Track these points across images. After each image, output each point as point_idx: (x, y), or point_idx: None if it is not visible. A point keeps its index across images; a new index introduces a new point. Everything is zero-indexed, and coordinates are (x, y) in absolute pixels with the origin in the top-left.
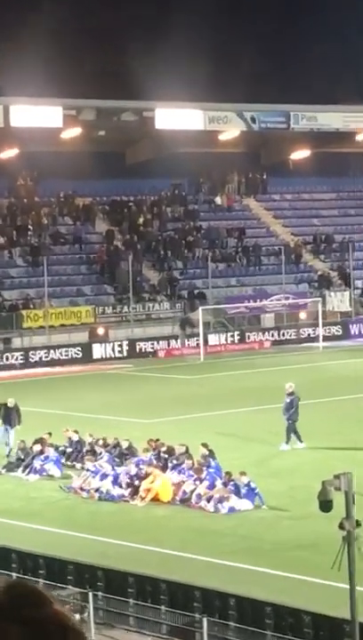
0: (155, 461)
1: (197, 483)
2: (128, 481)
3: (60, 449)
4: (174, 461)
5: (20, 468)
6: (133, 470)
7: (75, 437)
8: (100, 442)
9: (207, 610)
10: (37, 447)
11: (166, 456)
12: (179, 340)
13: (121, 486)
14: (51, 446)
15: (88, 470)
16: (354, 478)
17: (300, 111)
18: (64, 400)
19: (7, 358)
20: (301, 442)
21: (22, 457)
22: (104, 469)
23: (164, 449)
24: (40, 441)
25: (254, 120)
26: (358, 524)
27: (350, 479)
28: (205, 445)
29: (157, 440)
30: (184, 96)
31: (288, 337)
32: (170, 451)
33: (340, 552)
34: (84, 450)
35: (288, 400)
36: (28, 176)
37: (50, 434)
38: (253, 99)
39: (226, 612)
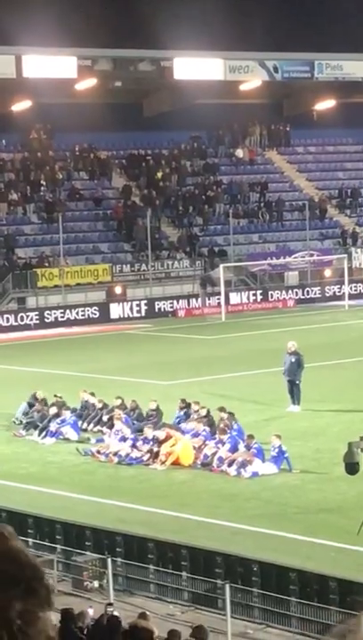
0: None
1: (219, 446)
2: (148, 444)
3: (77, 412)
4: (193, 424)
5: (36, 432)
6: (151, 434)
7: (91, 399)
8: (118, 403)
9: (230, 576)
10: (53, 410)
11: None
12: (199, 299)
13: (140, 450)
14: (67, 409)
15: (106, 434)
16: None
17: (324, 60)
18: (81, 362)
19: (22, 318)
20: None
21: (35, 418)
22: (123, 432)
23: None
24: (56, 404)
25: (276, 69)
26: None
27: None
28: (222, 409)
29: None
30: (204, 45)
31: (313, 295)
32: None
33: None
34: (103, 412)
35: (293, 359)
36: (41, 129)
37: (59, 397)
38: (275, 47)
39: (249, 578)
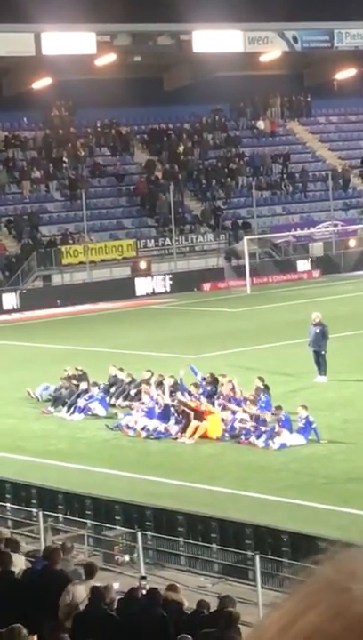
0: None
1: (246, 416)
2: (176, 417)
3: (103, 387)
4: (220, 397)
5: (65, 408)
6: (184, 399)
7: (120, 374)
8: (148, 377)
9: (259, 547)
10: (83, 385)
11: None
12: (224, 272)
13: (168, 423)
14: (95, 385)
15: (135, 408)
16: None
17: (344, 29)
18: (107, 337)
19: (48, 296)
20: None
21: (64, 394)
22: (151, 406)
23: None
24: (81, 378)
25: (295, 40)
26: None
27: None
28: (261, 379)
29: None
30: (222, 17)
31: (338, 265)
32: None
33: None
34: (130, 387)
35: (318, 330)
36: (62, 106)
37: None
38: (294, 17)
39: (279, 549)
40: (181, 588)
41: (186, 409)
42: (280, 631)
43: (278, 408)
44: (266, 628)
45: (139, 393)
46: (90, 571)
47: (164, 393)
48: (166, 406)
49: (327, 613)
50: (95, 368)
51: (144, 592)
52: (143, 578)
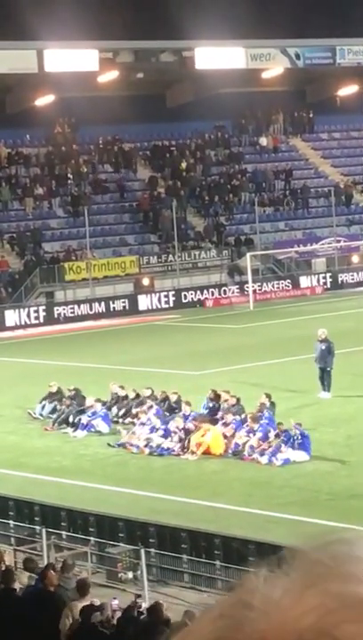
0: (207, 412)
1: (251, 435)
2: (179, 435)
3: (107, 404)
4: (222, 414)
5: (68, 425)
6: (182, 424)
7: (121, 392)
8: (148, 394)
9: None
10: (88, 402)
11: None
12: (227, 288)
13: (171, 440)
14: (98, 401)
15: (137, 424)
16: None
17: (346, 45)
18: (110, 354)
19: (50, 313)
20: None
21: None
22: (153, 423)
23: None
24: (75, 397)
25: (298, 56)
26: None
27: None
28: (268, 396)
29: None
30: (225, 33)
31: (341, 281)
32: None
33: None
34: (133, 403)
35: (324, 347)
36: (65, 123)
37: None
38: (296, 34)
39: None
40: (185, 605)
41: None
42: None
43: (280, 424)
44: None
45: (141, 410)
46: (83, 588)
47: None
48: (166, 425)
49: (229, 625)
50: (98, 385)
51: (140, 610)
52: (138, 596)
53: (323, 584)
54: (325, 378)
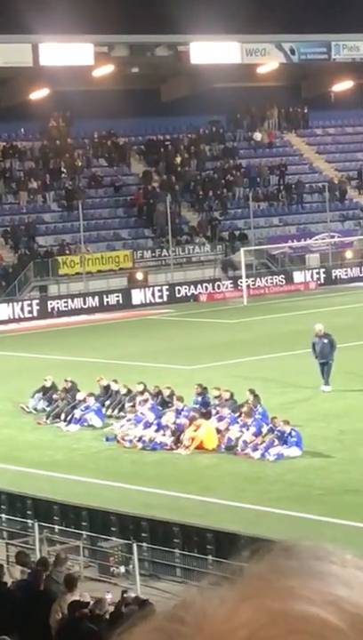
0: (198, 407)
1: (244, 430)
2: (172, 429)
3: (101, 399)
4: (218, 408)
5: (61, 419)
6: (173, 419)
7: (115, 386)
8: (141, 388)
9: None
10: (80, 395)
11: (217, 402)
12: (221, 283)
13: (164, 435)
14: (91, 395)
15: (130, 419)
16: None
17: (341, 41)
18: (103, 348)
19: (44, 306)
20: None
21: (60, 406)
22: (147, 417)
23: (217, 394)
24: (72, 389)
25: (293, 51)
26: None
27: None
28: (251, 391)
29: (203, 386)
30: (220, 28)
31: (335, 277)
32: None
33: None
34: (126, 398)
35: (326, 341)
36: (60, 117)
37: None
38: (291, 29)
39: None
40: (177, 599)
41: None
42: None
43: (275, 418)
44: None
45: (134, 405)
46: (70, 583)
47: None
48: (158, 419)
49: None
50: (91, 379)
51: (129, 605)
52: (125, 592)
53: (258, 598)
54: (326, 370)
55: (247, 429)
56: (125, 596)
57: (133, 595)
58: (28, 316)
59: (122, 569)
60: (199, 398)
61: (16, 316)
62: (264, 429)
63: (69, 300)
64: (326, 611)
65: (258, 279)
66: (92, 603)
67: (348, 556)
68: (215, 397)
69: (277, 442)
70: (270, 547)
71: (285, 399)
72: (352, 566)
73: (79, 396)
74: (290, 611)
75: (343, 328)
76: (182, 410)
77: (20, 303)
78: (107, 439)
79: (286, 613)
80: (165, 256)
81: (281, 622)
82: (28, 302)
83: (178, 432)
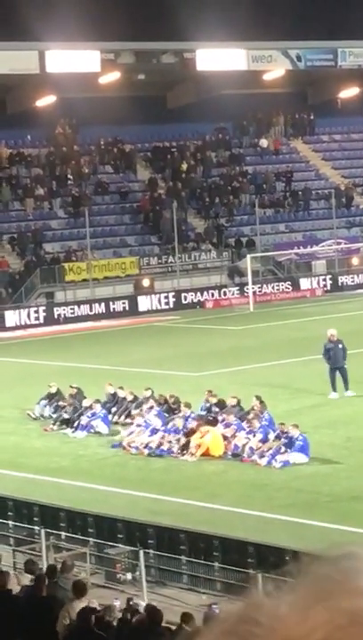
0: (205, 414)
1: (250, 436)
2: (178, 436)
3: (107, 405)
4: (224, 415)
5: (68, 426)
6: (181, 425)
7: (121, 393)
8: (148, 394)
9: (262, 566)
10: (86, 402)
11: (217, 409)
12: (227, 290)
13: (170, 441)
14: (97, 402)
15: (137, 425)
16: None
17: (347, 47)
18: (110, 355)
19: (50, 313)
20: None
21: (67, 412)
22: (153, 424)
23: (214, 401)
24: (77, 396)
25: (299, 58)
26: None
27: None
28: (258, 398)
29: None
30: (226, 35)
31: (341, 283)
32: (221, 403)
33: None
34: (132, 405)
35: (340, 346)
36: (66, 124)
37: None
38: (297, 36)
39: (281, 567)
40: (184, 606)
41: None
42: None
43: (282, 424)
44: None
45: (140, 412)
46: (79, 589)
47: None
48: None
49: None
50: (97, 386)
51: (136, 611)
52: (130, 599)
53: (332, 600)
54: (344, 375)
55: (254, 436)
56: (130, 603)
57: (141, 602)
58: (34, 322)
59: (128, 576)
60: (208, 405)
61: (22, 323)
62: (271, 436)
63: (76, 307)
64: None
65: (264, 286)
66: (100, 609)
67: None
68: (214, 404)
69: (283, 449)
70: (328, 549)
71: (291, 406)
72: None
73: (85, 403)
74: None
75: (350, 335)
76: (189, 416)
77: (26, 310)
78: (113, 446)
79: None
80: (171, 263)
81: (359, 623)
82: (35, 309)
83: (185, 439)
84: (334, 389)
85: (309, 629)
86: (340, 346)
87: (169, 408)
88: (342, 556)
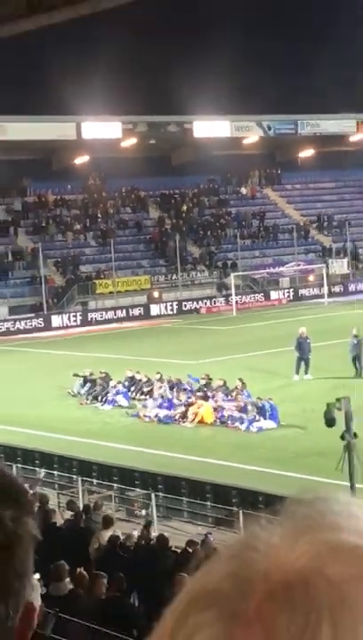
0: (199, 392)
1: (233, 408)
2: (181, 408)
3: (127, 385)
4: (214, 392)
5: (98, 400)
6: (185, 398)
7: (138, 376)
8: (158, 377)
9: (243, 504)
10: (112, 383)
11: (205, 389)
12: (217, 300)
13: (175, 410)
14: (120, 382)
15: (156, 397)
16: (351, 401)
17: (305, 119)
18: (129, 348)
19: (85, 317)
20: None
21: (97, 390)
22: (162, 399)
23: (204, 382)
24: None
25: (269, 127)
26: (355, 435)
27: (348, 402)
28: (240, 379)
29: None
30: (216, 111)
31: (301, 295)
32: (210, 383)
33: (342, 457)
34: (144, 385)
35: (309, 340)
36: (96, 177)
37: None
38: (268, 111)
39: (257, 506)
40: (185, 534)
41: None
42: (190, 589)
43: (259, 399)
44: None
45: (151, 390)
46: (107, 522)
47: (168, 390)
48: (170, 400)
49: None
50: (120, 370)
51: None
52: (145, 526)
53: (313, 533)
54: (308, 363)
55: (236, 408)
56: (144, 532)
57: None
58: (73, 324)
59: (143, 512)
60: (203, 382)
61: (64, 324)
62: (249, 408)
63: (104, 313)
64: None
65: (244, 297)
66: (123, 537)
67: (358, 501)
68: (203, 385)
69: (258, 417)
70: (303, 494)
71: (265, 386)
72: None
73: (111, 383)
74: (341, 541)
75: (308, 333)
76: (191, 390)
77: (67, 314)
78: (132, 415)
79: (338, 543)
80: (174, 279)
81: (335, 550)
82: (74, 314)
83: (186, 409)
84: (297, 373)
85: (296, 555)
86: (307, 341)
87: (173, 385)
88: (317, 499)
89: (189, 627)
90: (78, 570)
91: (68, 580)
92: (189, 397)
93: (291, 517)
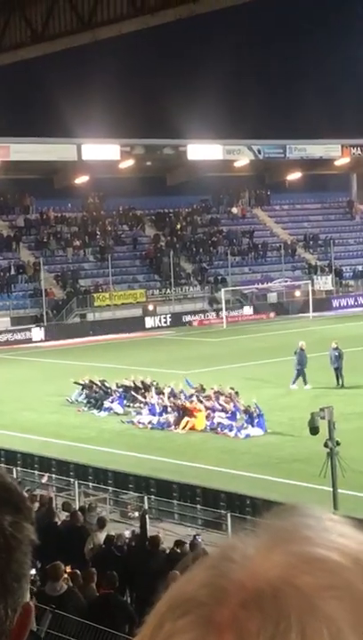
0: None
1: (223, 415)
2: (174, 413)
3: (122, 393)
4: (205, 400)
5: (94, 408)
6: (180, 401)
7: (132, 384)
8: (153, 384)
9: (230, 507)
10: (109, 390)
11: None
12: (208, 313)
13: (167, 414)
14: (115, 391)
15: (144, 406)
16: (334, 410)
17: (293, 144)
18: (125, 357)
19: (83, 328)
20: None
21: (94, 398)
22: (155, 405)
23: (194, 391)
24: (103, 386)
25: (259, 151)
26: (337, 442)
27: (331, 411)
28: (232, 388)
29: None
30: (208, 135)
31: (287, 309)
32: (202, 391)
33: (325, 464)
34: (139, 393)
35: (305, 353)
36: (95, 196)
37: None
38: (258, 135)
39: (244, 509)
40: (175, 535)
41: (181, 407)
42: (170, 594)
43: (248, 407)
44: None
45: (146, 397)
46: (102, 523)
47: (163, 397)
48: (165, 407)
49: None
50: (116, 379)
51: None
52: (134, 531)
53: (286, 545)
54: (305, 374)
55: (226, 415)
56: (136, 533)
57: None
58: (72, 333)
59: (136, 514)
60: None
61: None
62: (238, 416)
63: (101, 324)
64: (334, 553)
65: (233, 311)
66: (115, 536)
67: (331, 515)
68: (191, 395)
69: (246, 425)
70: (280, 507)
71: (253, 394)
72: (338, 522)
73: (107, 391)
74: (313, 553)
75: (293, 345)
76: (186, 396)
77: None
78: (126, 422)
79: (308, 556)
80: (168, 294)
81: (305, 562)
82: (73, 325)
83: (179, 415)
84: (294, 383)
85: (270, 566)
86: (305, 353)
87: (168, 393)
88: (293, 513)
89: (166, 632)
90: (72, 570)
91: (64, 578)
92: (184, 401)
93: (267, 530)
